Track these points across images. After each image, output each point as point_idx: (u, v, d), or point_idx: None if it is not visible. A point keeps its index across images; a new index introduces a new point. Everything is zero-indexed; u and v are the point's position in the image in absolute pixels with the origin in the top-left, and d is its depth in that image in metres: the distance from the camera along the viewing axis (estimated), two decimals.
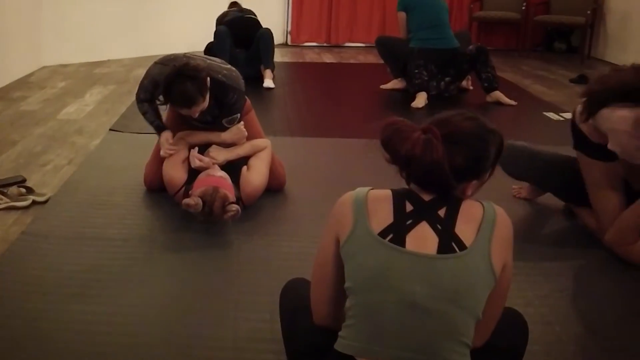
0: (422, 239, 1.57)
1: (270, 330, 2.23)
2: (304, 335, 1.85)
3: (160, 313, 2.33)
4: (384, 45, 6.04)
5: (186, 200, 2.89)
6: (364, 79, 6.66)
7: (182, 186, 3.17)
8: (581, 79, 6.74)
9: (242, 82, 3.25)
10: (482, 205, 1.62)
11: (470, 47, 5.78)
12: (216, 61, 3.23)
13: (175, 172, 3.19)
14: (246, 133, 3.32)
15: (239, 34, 5.99)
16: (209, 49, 6.15)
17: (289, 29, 8.50)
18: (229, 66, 3.25)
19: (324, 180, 3.69)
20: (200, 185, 2.98)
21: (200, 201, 2.88)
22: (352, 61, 7.70)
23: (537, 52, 8.61)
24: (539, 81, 6.79)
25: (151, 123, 3.31)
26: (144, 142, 3.99)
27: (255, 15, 6.21)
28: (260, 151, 3.34)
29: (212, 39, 6.11)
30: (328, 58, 7.84)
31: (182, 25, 7.54)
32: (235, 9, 6.37)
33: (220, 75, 3.12)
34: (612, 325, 2.36)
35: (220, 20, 6.16)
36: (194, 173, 3.17)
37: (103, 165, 3.82)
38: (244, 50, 6.01)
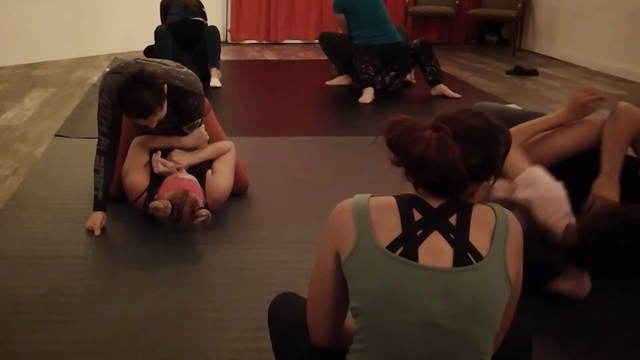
0: (436, 250, 1.37)
1: (257, 350, 2.00)
2: (303, 357, 1.62)
3: (132, 338, 2.06)
4: (328, 42, 5.83)
5: (154, 204, 2.61)
6: (308, 76, 6.43)
7: (144, 191, 2.89)
8: (517, 71, 6.71)
9: (200, 85, 2.97)
10: (493, 209, 1.44)
11: (415, 41, 5.67)
12: (171, 65, 2.94)
13: (137, 177, 2.90)
14: (207, 137, 3.05)
15: (183, 37, 5.64)
16: (150, 51, 5.78)
17: (229, 26, 8.19)
18: (185, 69, 2.96)
19: (286, 180, 3.46)
20: (169, 189, 2.71)
21: (169, 205, 2.62)
22: (293, 58, 7.45)
23: (470, 45, 8.57)
24: (477, 73, 6.71)
25: (95, 188, 2.80)
26: (94, 147, 3.64)
27: (201, 7, 5.83)
28: (224, 154, 3.09)
29: (152, 39, 5.75)
30: (270, 55, 7.58)
31: (122, 25, 7.13)
32: None
33: (177, 81, 2.83)
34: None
35: (165, 6, 5.78)
36: (155, 178, 2.89)
37: (52, 174, 3.48)
38: (189, 52, 5.67)
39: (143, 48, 6.01)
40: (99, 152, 2.82)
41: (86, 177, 3.31)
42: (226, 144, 3.15)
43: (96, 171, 2.80)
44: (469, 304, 1.35)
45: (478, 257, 1.36)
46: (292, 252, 2.65)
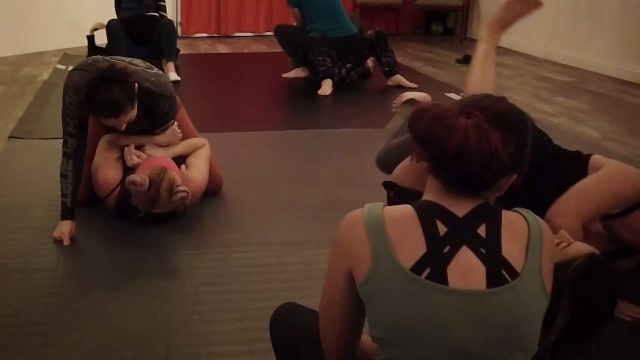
0: (467, 270, 1.17)
1: None
2: None
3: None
4: (283, 35, 5.62)
5: (131, 177, 2.41)
6: (264, 69, 6.20)
7: (117, 185, 2.65)
8: (466, 59, 6.63)
9: (171, 86, 2.73)
10: (524, 216, 1.25)
11: (369, 32, 5.52)
12: (141, 65, 2.69)
13: (109, 171, 2.66)
14: (181, 134, 2.83)
15: (137, 32, 5.32)
16: (93, 45, 5.41)
17: (179, 20, 7.86)
18: (155, 70, 2.71)
19: (257, 177, 3.25)
20: (145, 167, 2.50)
21: (147, 179, 2.41)
22: (245, 51, 7.20)
23: (416, 35, 8.47)
24: (428, 63, 6.62)
25: (62, 194, 2.53)
26: (54, 148, 3.35)
27: (158, 0, 5.50)
28: (198, 149, 2.88)
29: (103, 33, 5.41)
30: (222, 48, 7.30)
31: (70, 19, 6.69)
32: None
33: (148, 84, 2.58)
34: None
35: None
36: (128, 172, 2.65)
37: (10, 179, 3.18)
38: (143, 47, 5.36)
39: (95, 43, 5.62)
40: (65, 155, 2.55)
41: (47, 181, 3.05)
42: (200, 140, 2.95)
43: (63, 176, 2.54)
44: (506, 328, 1.17)
45: (513, 273, 1.18)
46: (275, 254, 2.46)
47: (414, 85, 5.42)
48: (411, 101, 2.86)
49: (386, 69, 5.42)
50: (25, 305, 2.09)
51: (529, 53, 7.02)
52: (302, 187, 3.13)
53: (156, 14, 5.38)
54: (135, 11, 5.31)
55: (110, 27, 5.24)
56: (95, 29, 5.48)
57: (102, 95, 2.35)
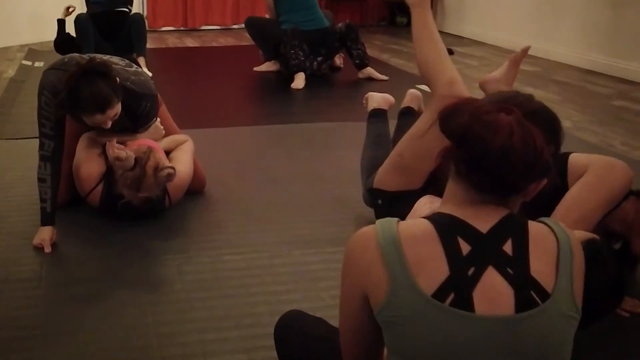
0: (494, 294, 1.06)
1: None
2: None
3: None
4: (254, 27, 5.46)
5: (116, 152, 2.29)
6: (235, 62, 6.01)
7: (101, 179, 2.51)
8: None
9: (152, 84, 2.58)
10: (552, 229, 1.13)
11: (340, 25, 5.41)
12: (120, 64, 2.53)
13: (91, 166, 2.52)
14: (164, 131, 2.69)
15: (106, 27, 5.11)
16: (60, 42, 5.15)
17: (145, 13, 7.61)
18: (135, 68, 2.56)
19: (239, 175, 3.13)
20: (131, 147, 2.42)
21: (132, 155, 2.31)
22: (214, 44, 7.00)
23: (381, 26, 8.39)
24: (396, 55, 6.54)
25: (41, 199, 2.36)
26: (28, 149, 3.18)
27: None
28: (181, 145, 2.75)
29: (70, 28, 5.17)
30: (190, 42, 7.09)
31: (34, 13, 6.39)
32: None
33: (128, 83, 2.43)
34: None
35: None
36: (109, 172, 2.51)
37: None
38: (112, 42, 5.14)
39: (65, 27, 5.30)
40: (43, 158, 2.39)
41: (21, 184, 2.88)
42: (183, 136, 2.84)
43: (41, 180, 2.38)
44: (537, 353, 1.07)
45: (543, 294, 1.07)
46: (266, 255, 2.35)
47: (384, 77, 5.34)
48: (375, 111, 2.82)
49: (357, 61, 5.32)
50: (8, 319, 1.94)
51: (494, 44, 7.00)
52: (285, 184, 3.02)
53: (126, 9, 5.17)
54: (105, 6, 5.09)
55: (79, 22, 5.02)
56: (70, 10, 5.20)
57: (85, 91, 2.19)
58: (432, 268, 1.06)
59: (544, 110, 1.18)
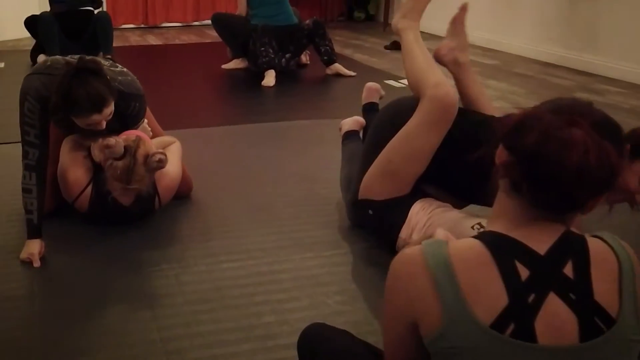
0: (557, 323, 0.97)
1: None
2: None
3: None
4: (222, 24, 5.28)
5: (105, 141, 2.16)
6: (201, 60, 5.83)
7: (89, 182, 2.36)
8: (394, 45, 6.53)
9: (139, 84, 2.44)
10: (610, 245, 1.05)
11: (307, 21, 5.30)
12: (105, 64, 2.37)
13: (79, 169, 2.37)
14: (151, 132, 2.55)
15: (71, 27, 4.86)
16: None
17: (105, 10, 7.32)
18: (120, 68, 2.41)
19: (223, 178, 3.00)
20: (121, 136, 2.29)
21: (121, 141, 2.19)
22: (177, 42, 6.78)
23: (340, 22, 8.31)
24: (359, 50, 6.46)
25: (27, 211, 2.20)
26: (6, 154, 2.99)
27: None
28: (169, 146, 2.61)
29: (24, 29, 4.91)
30: (153, 40, 6.84)
31: None
32: None
33: (116, 83, 2.28)
34: None
35: None
36: (99, 168, 2.36)
37: None
38: (77, 41, 4.91)
39: (15, 37, 5.08)
40: (27, 167, 2.22)
41: (3, 192, 2.69)
42: (170, 138, 2.72)
43: (27, 191, 2.21)
44: None
45: (608, 320, 0.99)
46: (265, 261, 2.25)
47: (352, 73, 5.26)
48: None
49: (325, 57, 5.23)
50: (5, 342, 1.78)
51: None
52: (272, 185, 2.91)
53: (90, 8, 4.93)
54: (69, 5, 4.84)
55: (43, 21, 4.76)
56: None
57: (80, 91, 2.05)
58: (489, 295, 0.98)
59: (608, 120, 1.10)
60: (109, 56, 4.93)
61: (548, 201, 1.01)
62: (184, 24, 7.67)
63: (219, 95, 4.80)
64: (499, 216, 1.08)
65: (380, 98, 3.00)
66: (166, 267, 2.19)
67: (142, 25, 7.52)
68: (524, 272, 0.99)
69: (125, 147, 2.22)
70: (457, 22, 2.37)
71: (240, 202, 2.73)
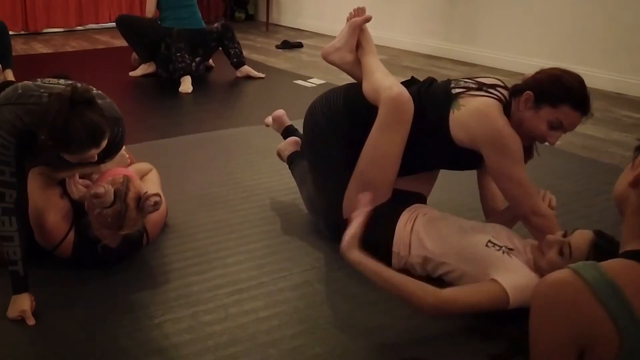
0: None
1: None
2: None
3: None
4: (128, 27, 4.76)
5: (93, 190, 1.81)
6: (103, 68, 5.17)
7: (71, 227, 1.98)
8: (285, 45, 6.36)
9: (116, 107, 2.05)
10: None
11: (216, 24, 4.95)
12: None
13: (57, 213, 1.97)
14: (129, 159, 2.19)
15: None
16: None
17: None
18: (95, 91, 2.02)
19: (188, 198, 2.67)
20: (105, 179, 1.92)
21: (110, 189, 1.83)
22: (68, 49, 6.05)
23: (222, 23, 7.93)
24: (253, 51, 6.16)
25: (10, 262, 1.79)
26: None
27: None
28: (146, 175, 2.26)
29: None
30: (41, 48, 6.03)
31: None
32: None
33: None
34: None
35: None
36: (79, 207, 1.99)
37: None
38: None
39: None
40: (5, 211, 1.78)
41: None
42: (146, 165, 2.35)
43: (7, 239, 1.78)
44: None
45: None
46: (255, 294, 1.99)
47: (261, 75, 5.02)
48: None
49: (234, 60, 4.94)
50: None
51: (334, 35, 6.90)
52: (245, 202, 2.63)
53: None
54: None
55: None
56: None
57: (78, 125, 1.67)
58: None
59: None
60: (10, 70, 4.28)
61: None
62: (68, 29, 6.89)
63: (140, 107, 4.20)
64: (634, 236, 1.01)
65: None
66: (160, 314, 1.87)
67: (23, 32, 6.65)
68: None
69: (114, 192, 1.86)
70: (354, 27, 2.28)
71: (213, 223, 2.42)
